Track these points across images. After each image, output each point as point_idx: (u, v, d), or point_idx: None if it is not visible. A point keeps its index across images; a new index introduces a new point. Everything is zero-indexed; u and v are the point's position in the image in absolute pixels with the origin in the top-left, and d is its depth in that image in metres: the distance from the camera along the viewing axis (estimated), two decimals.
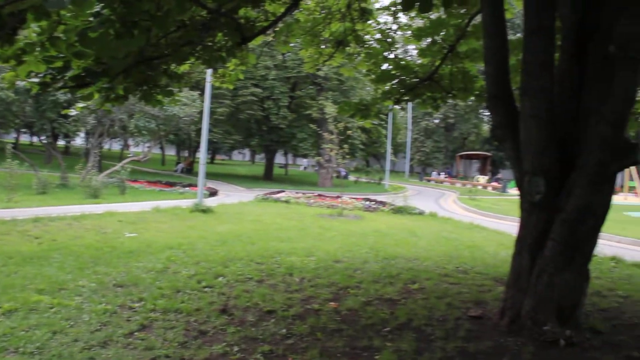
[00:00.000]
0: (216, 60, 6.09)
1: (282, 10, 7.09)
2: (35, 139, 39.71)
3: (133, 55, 4.84)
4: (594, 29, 5.26)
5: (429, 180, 53.10)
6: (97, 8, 4.28)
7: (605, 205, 5.26)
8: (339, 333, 5.24)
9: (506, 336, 5.33)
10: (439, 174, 56.24)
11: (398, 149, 64.26)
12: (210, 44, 6.03)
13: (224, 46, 6.13)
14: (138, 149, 43.94)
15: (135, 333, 5.00)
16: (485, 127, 62.26)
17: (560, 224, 5.19)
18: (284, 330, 5.25)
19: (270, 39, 9.10)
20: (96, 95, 5.91)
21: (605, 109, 4.93)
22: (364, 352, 4.75)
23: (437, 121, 65.78)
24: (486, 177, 49.12)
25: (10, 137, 44.72)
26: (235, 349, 4.71)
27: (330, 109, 21.99)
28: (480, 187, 42.72)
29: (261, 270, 7.95)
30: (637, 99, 6.82)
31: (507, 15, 7.56)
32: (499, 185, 42.77)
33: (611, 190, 5.30)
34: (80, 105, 12.36)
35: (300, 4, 8.17)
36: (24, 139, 50.83)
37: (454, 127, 65.86)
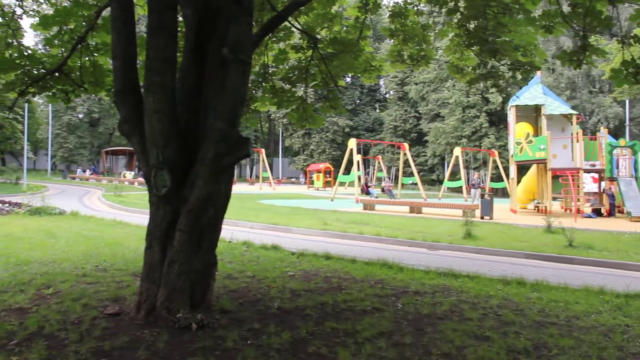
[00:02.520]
0: None
1: None
2: None
3: None
4: (211, 32, 5.64)
5: (73, 178, 50.82)
6: None
7: (224, 195, 5.71)
8: None
9: (143, 329, 5.38)
10: (84, 171, 54.15)
11: (39, 145, 59.84)
12: None
13: None
14: None
15: None
16: None
17: (186, 214, 5.47)
18: None
19: None
20: None
21: (220, 105, 5.36)
22: None
23: (81, 116, 62.92)
24: (132, 173, 48.95)
25: None
26: None
27: None
28: (127, 183, 42.34)
29: None
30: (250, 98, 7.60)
31: (141, 12, 7.62)
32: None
33: (229, 181, 5.77)
34: None
35: None
36: None
37: (99, 122, 63.90)
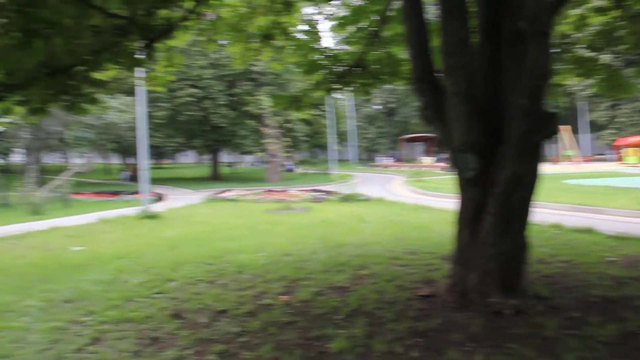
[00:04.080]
0: (133, 64, 5.93)
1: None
2: None
3: (42, 65, 4.66)
4: (505, 5, 5.39)
5: (375, 166, 53.48)
6: None
7: (533, 175, 5.37)
8: (291, 325, 5.23)
9: (455, 312, 5.39)
10: (385, 159, 56.72)
11: (342, 137, 64.77)
12: (125, 48, 5.84)
13: (136, 49, 5.97)
14: (81, 160, 43.05)
15: (87, 347, 4.88)
16: None
17: (494, 196, 5.31)
18: (237, 328, 5.19)
19: (200, 38, 8.92)
20: (17, 109, 5.72)
21: (521, 82, 5.08)
22: (317, 342, 4.75)
23: (378, 107, 66.41)
24: (431, 158, 49.78)
25: None
26: (189, 351, 4.65)
27: (268, 104, 21.90)
28: (426, 169, 43.27)
29: (211, 271, 7.86)
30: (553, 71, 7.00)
31: None
32: (448, 164, 43.18)
33: (537, 160, 5.41)
34: (3, 120, 11.85)
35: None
36: None
37: (395, 111, 66.56)
